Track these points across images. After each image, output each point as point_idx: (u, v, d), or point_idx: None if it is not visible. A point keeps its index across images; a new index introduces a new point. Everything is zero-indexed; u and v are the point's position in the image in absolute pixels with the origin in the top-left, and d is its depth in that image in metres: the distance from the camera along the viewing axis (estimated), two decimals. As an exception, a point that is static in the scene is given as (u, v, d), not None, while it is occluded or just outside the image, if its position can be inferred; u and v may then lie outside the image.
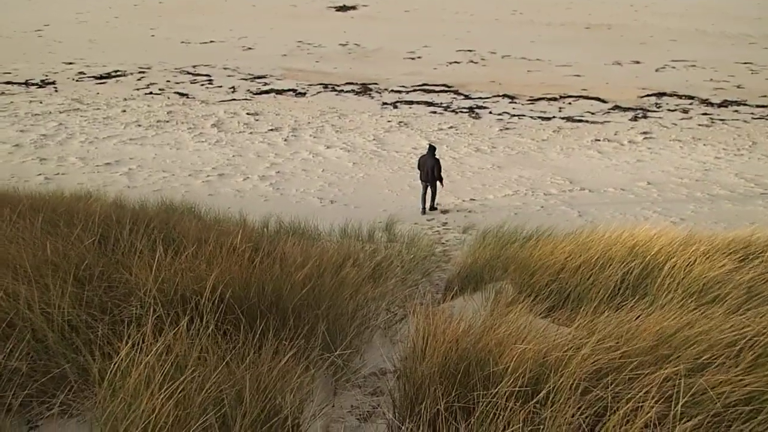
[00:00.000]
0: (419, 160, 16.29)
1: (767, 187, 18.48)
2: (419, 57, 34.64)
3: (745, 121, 25.37)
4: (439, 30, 40.14)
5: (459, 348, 3.55)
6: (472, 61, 33.79)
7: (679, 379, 3.09)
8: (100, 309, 3.64)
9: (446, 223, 15.47)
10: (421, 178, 16.15)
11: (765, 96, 28.38)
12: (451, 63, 33.38)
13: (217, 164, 19.93)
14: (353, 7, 48.30)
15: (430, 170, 15.83)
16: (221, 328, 3.63)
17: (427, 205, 16.35)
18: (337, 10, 47.43)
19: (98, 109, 25.96)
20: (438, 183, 16.08)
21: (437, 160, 15.95)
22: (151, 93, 28.47)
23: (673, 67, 32.96)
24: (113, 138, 22.30)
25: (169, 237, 5.81)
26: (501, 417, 2.92)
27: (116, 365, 2.79)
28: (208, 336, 3.29)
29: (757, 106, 27.10)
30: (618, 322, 4.01)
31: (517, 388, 3.05)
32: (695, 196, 17.88)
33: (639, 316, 4.18)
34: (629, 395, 2.99)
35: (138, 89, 29.12)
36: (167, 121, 24.37)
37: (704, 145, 22.53)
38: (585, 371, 3.18)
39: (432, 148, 16.25)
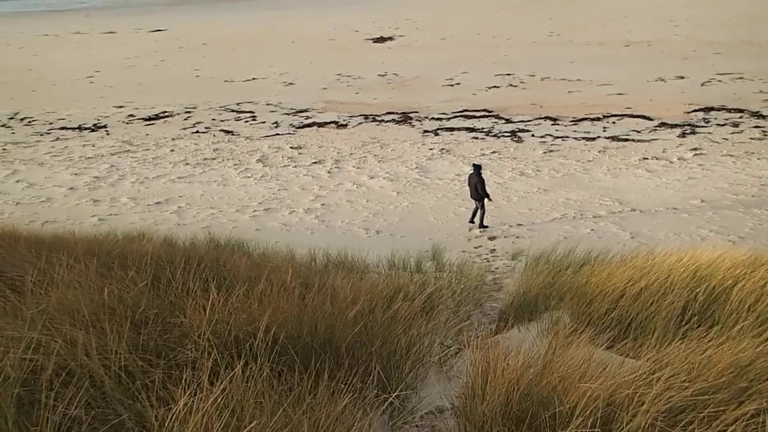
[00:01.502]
0: (468, 179, 16.98)
1: (829, 200, 17.66)
2: (458, 83, 34.71)
3: (799, 133, 24.45)
4: (476, 55, 40.22)
5: (520, 385, 3.40)
6: (511, 85, 33.65)
7: (763, 415, 2.88)
8: (156, 353, 3.64)
9: (494, 249, 15.25)
10: (470, 196, 16.94)
11: (819, 105, 27.32)
12: (490, 87, 33.30)
13: (263, 199, 20.23)
14: (390, 38, 48.90)
15: (473, 188, 16.52)
16: (276, 369, 3.58)
17: (476, 220, 16.99)
18: (374, 42, 48.08)
19: (147, 149, 26.78)
20: (486, 199, 16.68)
21: (480, 178, 16.47)
22: (197, 132, 29.26)
23: (720, 81, 32.09)
24: (162, 177, 22.92)
25: (220, 276, 5.84)
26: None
27: (174, 413, 2.76)
28: (263, 379, 3.24)
29: (812, 116, 26.10)
30: (687, 354, 3.79)
31: (587, 430, 2.88)
32: (753, 212, 17.20)
33: (710, 347, 3.95)
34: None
35: (185, 128, 29.96)
36: (214, 159, 24.94)
37: (758, 159, 21.74)
38: (658, 410, 2.99)
39: (476, 167, 16.72)
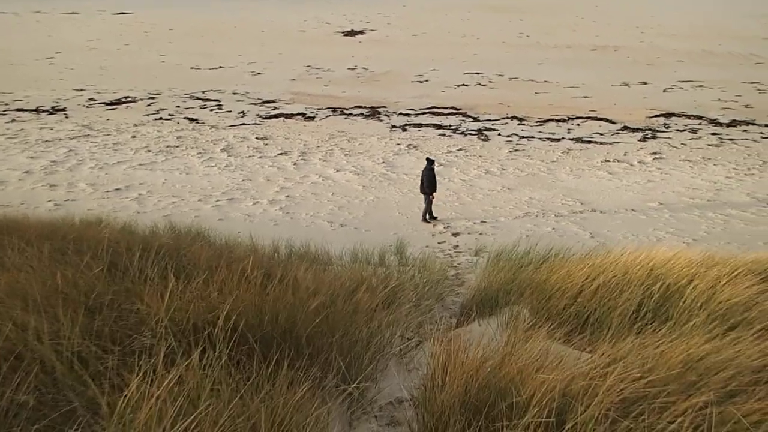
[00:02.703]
0: (422, 173, 17.18)
1: (780, 206, 18.29)
2: (427, 80, 34.82)
3: (754, 141, 25.23)
4: (446, 53, 40.39)
5: (479, 376, 3.43)
6: (479, 84, 33.91)
7: (711, 407, 2.96)
8: (111, 339, 3.56)
9: (457, 245, 15.35)
10: (420, 190, 17.20)
11: (774, 115, 28.26)
12: (459, 86, 33.49)
13: (226, 189, 19.96)
14: (361, 32, 48.76)
15: (424, 181, 16.86)
16: (234, 358, 3.53)
17: (421, 214, 17.29)
18: (345, 35, 47.89)
19: (108, 135, 26.16)
20: (431, 195, 16.98)
21: (431, 172, 16.80)
22: (161, 118, 28.70)
23: (681, 88, 32.93)
24: (123, 163, 22.42)
25: (180, 264, 5.74)
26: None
27: (127, 399, 2.70)
28: (221, 367, 3.19)
29: (766, 126, 26.97)
30: (641, 348, 3.88)
31: (542, 419, 2.92)
32: (708, 216, 17.70)
33: (663, 342, 4.05)
34: (660, 426, 2.86)
35: (148, 115, 29.37)
36: (177, 146, 24.50)
37: (714, 164, 22.38)
38: (611, 401, 3.05)
39: (429, 161, 17.07)
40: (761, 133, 26.15)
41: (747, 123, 27.46)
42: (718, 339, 4.08)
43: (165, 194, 19.48)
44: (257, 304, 4.25)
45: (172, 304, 3.84)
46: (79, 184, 20.33)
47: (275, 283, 5.12)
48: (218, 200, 18.99)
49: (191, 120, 28.41)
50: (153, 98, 32.12)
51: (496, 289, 7.36)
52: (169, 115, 29.32)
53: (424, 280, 8.72)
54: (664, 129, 26.58)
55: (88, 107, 30.73)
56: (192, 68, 38.22)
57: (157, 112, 29.81)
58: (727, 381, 3.38)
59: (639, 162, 22.55)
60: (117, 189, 19.92)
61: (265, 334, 3.94)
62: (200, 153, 23.69)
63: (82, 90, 33.77)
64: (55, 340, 3.32)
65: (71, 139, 25.51)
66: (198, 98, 32.04)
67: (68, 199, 18.97)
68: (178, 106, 30.66)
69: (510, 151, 23.77)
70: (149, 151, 23.95)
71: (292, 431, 2.84)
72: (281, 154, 23.57)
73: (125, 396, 2.71)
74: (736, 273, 5.58)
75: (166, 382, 2.72)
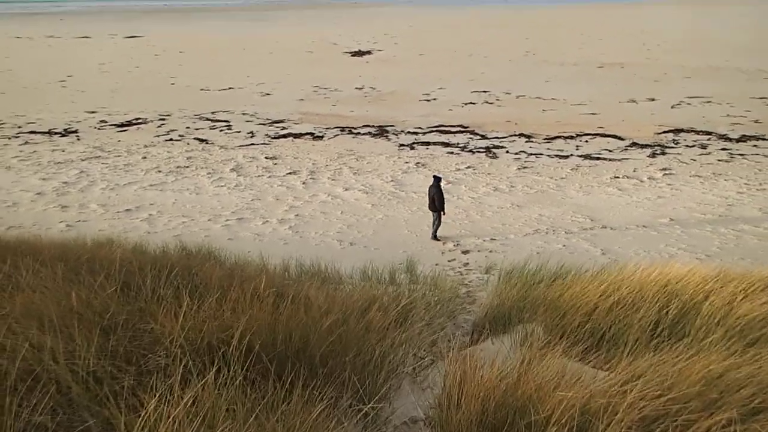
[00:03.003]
0: (428, 191, 17.20)
1: (794, 222, 18.11)
2: (434, 99, 35.00)
3: (765, 156, 25.08)
4: (453, 72, 40.64)
5: (496, 395, 3.40)
6: (487, 102, 34.04)
7: (734, 426, 2.91)
8: (126, 359, 3.55)
9: (467, 263, 15.29)
10: (430, 208, 17.18)
11: (784, 130, 28.14)
12: (466, 104, 33.64)
13: (236, 208, 20.03)
14: (368, 52, 49.21)
15: (431, 200, 16.94)
16: (249, 377, 3.51)
17: (432, 232, 17.23)
18: (352, 56, 48.32)
19: (119, 156, 26.39)
20: (441, 212, 17.06)
21: (439, 189, 16.87)
22: (171, 139, 28.95)
23: (689, 104, 32.92)
24: (134, 184, 22.58)
25: (192, 283, 5.75)
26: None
27: (143, 420, 2.68)
28: (236, 387, 3.18)
29: (777, 141, 26.86)
30: (660, 366, 3.83)
31: (562, 439, 2.88)
32: (720, 231, 17.56)
33: (680, 358, 4.00)
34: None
35: (158, 136, 29.63)
36: (187, 167, 24.66)
37: (725, 180, 22.25)
38: (632, 419, 3.01)
39: (436, 179, 17.14)
40: (771, 148, 26.04)
41: (757, 138, 27.35)
42: (737, 355, 4.03)
43: (175, 214, 19.57)
44: (270, 323, 4.24)
45: (186, 323, 3.84)
46: (90, 205, 20.46)
47: (288, 302, 5.12)
48: (228, 220, 19.05)
49: (201, 140, 28.63)
50: (163, 119, 32.43)
51: (509, 307, 7.32)
52: (179, 135, 29.57)
53: (436, 299, 8.68)
54: (673, 145, 26.52)
55: (99, 129, 31.06)
56: (201, 89, 38.62)
57: (168, 133, 30.08)
58: (748, 399, 3.33)
59: (649, 178, 22.47)
60: (127, 210, 20.04)
61: (279, 354, 3.93)
62: (210, 173, 23.83)
63: (93, 112, 34.16)
64: (71, 360, 3.32)
65: (83, 160, 25.75)
66: (207, 119, 32.32)
67: (80, 220, 19.09)
68: (188, 127, 30.93)
69: (518, 169, 23.77)
70: (159, 171, 24.12)
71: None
72: (290, 173, 23.67)
73: (142, 416, 2.70)
74: (752, 289, 5.51)
75: (183, 402, 2.71)
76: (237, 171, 24.06)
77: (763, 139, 27.18)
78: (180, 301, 4.33)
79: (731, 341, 4.47)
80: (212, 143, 28.19)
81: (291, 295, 5.67)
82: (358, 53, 49.12)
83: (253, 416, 2.87)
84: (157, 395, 2.89)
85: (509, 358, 4.87)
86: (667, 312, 5.31)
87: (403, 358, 5.45)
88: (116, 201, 20.90)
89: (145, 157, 26.12)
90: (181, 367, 3.31)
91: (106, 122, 32.28)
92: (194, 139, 28.93)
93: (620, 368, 3.92)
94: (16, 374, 3.15)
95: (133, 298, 4.87)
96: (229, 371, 3.34)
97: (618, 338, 5.13)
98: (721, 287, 5.67)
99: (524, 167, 23.97)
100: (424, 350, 6.23)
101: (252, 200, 20.80)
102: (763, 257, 15.10)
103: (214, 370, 3.09)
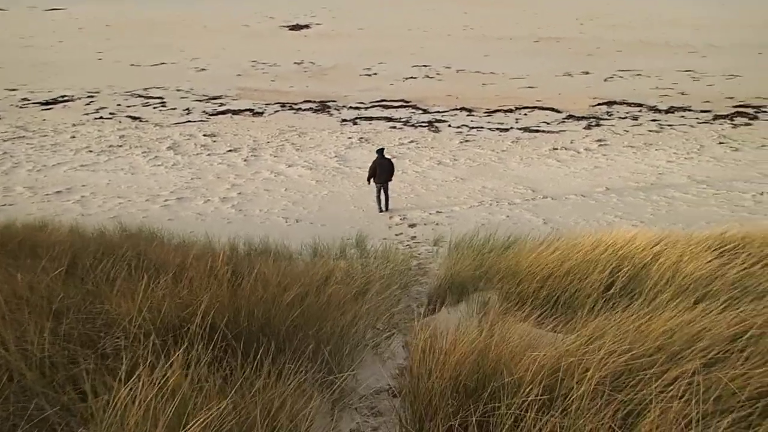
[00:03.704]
0: (374, 165, 17.02)
1: (718, 188, 19.05)
2: (375, 74, 34.76)
3: (691, 126, 26.24)
4: (393, 46, 40.41)
5: (466, 361, 3.41)
6: (427, 76, 34.09)
7: (697, 376, 3.03)
8: (80, 343, 3.37)
9: (415, 236, 15.37)
10: (377, 181, 17.08)
11: (708, 101, 29.46)
12: (407, 78, 33.58)
13: (175, 188, 19.42)
14: (306, 26, 48.29)
15: (389, 171, 16.98)
16: (216, 356, 3.40)
17: (383, 205, 17.39)
18: (290, 29, 47.31)
19: (45, 135, 25.08)
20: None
21: (386, 160, 17.06)
22: (101, 117, 27.69)
23: (621, 77, 33.93)
24: (63, 165, 21.54)
25: (141, 264, 5.52)
26: (524, 428, 2.79)
27: (114, 402, 2.54)
28: (203, 365, 3.06)
29: (701, 111, 28.12)
30: (620, 324, 3.94)
31: (537, 397, 2.92)
32: (652, 199, 18.29)
33: (637, 317, 4.13)
34: (652, 395, 2.90)
35: (87, 114, 28.30)
36: (120, 146, 23.70)
37: (656, 150, 23.16)
38: (602, 375, 3.09)
39: (382, 150, 17.33)
40: (697, 118, 27.24)
41: (684, 109, 28.54)
42: (688, 312, 4.18)
43: (110, 195, 18.80)
44: (231, 300, 4.12)
45: (144, 304, 3.67)
46: (16, 188, 19.40)
47: (246, 279, 4.99)
48: (167, 200, 18.46)
49: (134, 118, 27.53)
50: (92, 97, 30.96)
51: (463, 277, 7.40)
52: (110, 113, 28.33)
53: (388, 272, 8.69)
54: (607, 117, 27.34)
55: (21, 107, 29.39)
56: (132, 65, 37.03)
57: (97, 111, 28.76)
58: (706, 350, 3.47)
59: (585, 149, 23.12)
60: (58, 192, 19.10)
61: (243, 330, 3.82)
62: (145, 152, 22.98)
63: (14, 90, 32.25)
64: (22, 346, 3.11)
65: (5, 141, 24.34)
66: (140, 96, 31.06)
67: (5, 204, 18.08)
68: (119, 105, 29.66)
69: (461, 142, 23.99)
70: (90, 151, 23.08)
71: (285, 425, 2.75)
72: (230, 150, 23.12)
73: (112, 400, 2.55)
74: (696, 249, 5.75)
75: (153, 383, 2.58)
76: (174, 149, 23.30)
77: (690, 110, 28.38)
78: (133, 281, 4.14)
79: (681, 299, 4.66)
80: (146, 121, 27.16)
81: (247, 271, 5.55)
82: (296, 27, 48.13)
83: (230, 395, 2.77)
84: (123, 377, 2.74)
85: (470, 326, 4.92)
86: (618, 274, 5.48)
87: (364, 331, 5.43)
88: (45, 183, 19.89)
89: (74, 137, 24.93)
90: (143, 348, 3.16)
91: (29, 100, 30.57)
92: (126, 117, 27.80)
93: (582, 329, 4.01)
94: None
95: (80, 280, 4.63)
96: (193, 350, 3.21)
97: (574, 302, 5.27)
98: (666, 249, 5.89)
99: (466, 141, 24.21)
100: (382, 323, 6.24)
101: (192, 179, 20.22)
102: (693, 222, 15.82)
103: (181, 350, 2.95)
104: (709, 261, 5.32)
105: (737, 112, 27.98)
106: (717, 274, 5.16)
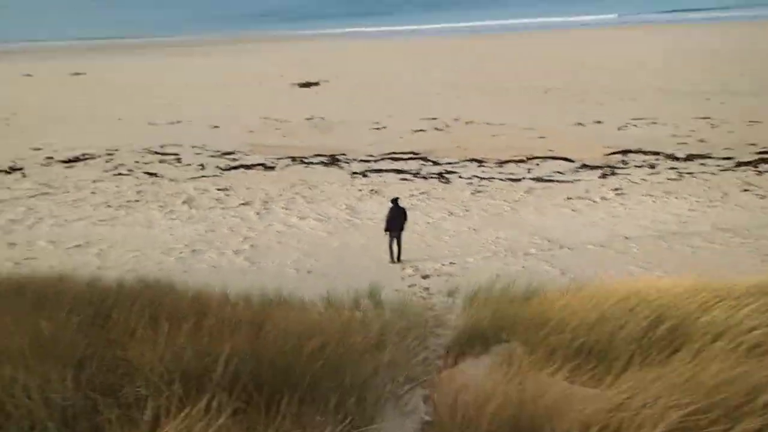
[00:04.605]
0: (391, 215, 17.05)
1: (745, 236, 18.54)
2: (384, 127, 35.21)
3: (713, 174, 25.85)
4: (401, 100, 41.08)
5: (500, 417, 3.28)
6: (436, 129, 34.47)
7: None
8: (102, 391, 3.31)
9: (428, 288, 15.20)
10: (392, 231, 17.06)
11: (728, 149, 29.12)
12: (416, 131, 33.96)
13: (189, 241, 19.50)
14: (315, 83, 49.34)
15: (403, 221, 17.04)
16: (235, 406, 3.32)
17: (395, 255, 17.25)
18: (300, 87, 48.35)
19: (67, 192, 25.50)
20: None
21: (400, 209, 17.14)
22: (120, 174, 28.16)
23: (635, 125, 34.00)
24: (83, 220, 21.78)
25: (161, 313, 5.49)
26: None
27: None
28: (226, 415, 2.99)
29: (723, 159, 27.74)
30: (667, 377, 3.77)
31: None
32: (675, 248, 17.81)
33: (684, 369, 3.95)
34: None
35: (106, 171, 28.81)
36: (137, 201, 23.99)
37: (676, 198, 22.84)
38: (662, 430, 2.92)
39: (397, 200, 17.43)
40: (719, 165, 26.89)
41: (704, 157, 28.19)
42: (742, 363, 3.99)
43: (127, 249, 18.89)
44: (252, 349, 4.06)
45: (166, 352, 3.62)
46: (38, 242, 19.61)
47: (264, 328, 4.93)
48: (182, 252, 18.51)
49: (150, 174, 27.95)
50: (111, 154, 31.58)
51: (483, 328, 7.25)
52: (128, 170, 28.81)
53: (404, 323, 8.56)
54: (622, 165, 27.28)
55: (45, 165, 30.03)
56: (149, 123, 37.86)
57: (116, 167, 29.28)
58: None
59: (601, 198, 22.98)
60: (77, 245, 19.26)
61: (264, 380, 3.75)
62: (161, 206, 23.22)
63: (39, 149, 33.03)
64: (45, 395, 3.07)
65: (30, 197, 24.79)
66: (157, 152, 31.64)
67: (28, 257, 18.22)
68: (137, 161, 30.19)
69: (472, 193, 24.03)
70: (109, 206, 23.37)
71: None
72: (243, 204, 23.30)
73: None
74: (738, 296, 5.56)
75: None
76: (189, 203, 23.53)
77: (710, 158, 28.07)
78: (153, 330, 4.11)
79: (732, 350, 4.45)
80: (162, 176, 27.54)
81: (265, 322, 5.49)
82: (306, 84, 49.21)
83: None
84: (145, 429, 2.68)
85: (497, 379, 4.77)
86: (657, 323, 5.30)
87: (384, 384, 5.31)
88: (66, 237, 20.08)
89: (94, 193, 25.30)
90: (165, 397, 3.10)
91: (53, 158, 31.23)
92: (144, 173, 28.23)
93: (624, 382, 3.86)
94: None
95: (101, 329, 4.60)
96: (215, 399, 3.14)
97: (609, 353, 5.05)
98: (708, 297, 5.70)
99: (478, 191, 24.24)
100: (402, 375, 6.10)
101: (206, 232, 20.31)
102: (720, 271, 15.39)
103: (204, 401, 2.88)
104: (756, 309, 5.09)
105: (761, 158, 27.47)
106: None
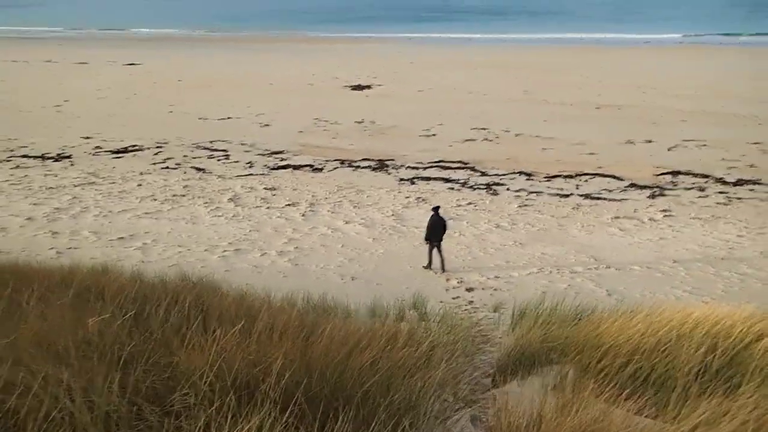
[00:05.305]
0: (431, 223, 17.06)
1: (798, 265, 17.89)
2: (434, 134, 34.97)
3: (762, 200, 25.01)
4: (452, 109, 40.75)
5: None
6: (486, 139, 34.05)
7: None
8: (147, 397, 3.16)
9: (473, 301, 14.94)
10: (434, 240, 17.05)
11: (781, 175, 28.11)
12: (466, 141, 33.61)
13: (233, 239, 19.64)
14: (368, 87, 49.41)
15: (442, 230, 17.03)
16: (288, 421, 3.13)
17: (438, 264, 17.18)
18: (352, 89, 48.49)
19: (114, 183, 26.02)
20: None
21: (441, 218, 17.17)
22: (167, 167, 28.64)
23: (685, 147, 33.01)
24: (128, 212, 22.17)
25: (207, 314, 5.37)
26: None
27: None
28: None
29: (773, 185, 26.80)
30: (734, 413, 3.48)
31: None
32: (723, 275, 17.33)
33: (747, 404, 3.66)
34: None
35: (154, 164, 29.34)
36: (183, 196, 24.31)
37: (725, 223, 22.12)
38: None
39: (438, 208, 17.45)
40: (768, 192, 26.00)
41: (753, 182, 27.35)
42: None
43: (170, 244, 19.14)
44: (302, 359, 3.87)
45: (215, 358, 3.46)
46: (82, 232, 20.02)
47: (312, 337, 4.75)
48: (225, 251, 18.64)
49: (198, 169, 28.34)
50: (160, 147, 32.17)
51: (532, 348, 6.97)
52: (176, 164, 29.28)
53: (452, 338, 8.31)
54: (671, 187, 26.48)
55: (94, 155, 30.75)
56: (200, 118, 38.45)
57: (164, 161, 29.79)
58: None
59: (650, 219, 22.33)
60: (121, 238, 19.60)
61: (316, 394, 3.55)
62: (207, 203, 23.47)
63: (88, 138, 33.86)
64: (87, 398, 2.93)
65: (76, 186, 25.35)
66: (206, 148, 32.08)
67: (71, 247, 18.62)
68: (186, 156, 30.66)
69: (519, 206, 23.59)
70: (155, 199, 23.75)
71: None
72: (289, 204, 23.37)
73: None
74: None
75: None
76: (235, 201, 23.73)
77: (760, 184, 27.15)
78: (202, 332, 3.96)
79: None
80: (210, 172, 27.90)
81: (313, 329, 5.32)
82: (359, 87, 49.31)
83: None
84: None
85: (548, 403, 4.51)
86: (715, 353, 4.98)
87: (432, 402, 5.08)
88: (109, 228, 20.46)
89: (140, 185, 25.77)
90: (214, 408, 2.92)
91: (101, 148, 31.97)
92: (191, 167, 28.65)
93: (688, 418, 3.57)
94: (25, 414, 2.76)
95: (147, 328, 4.49)
96: (268, 414, 2.96)
97: (665, 381, 4.78)
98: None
99: (525, 205, 23.79)
100: (449, 393, 5.86)
101: (250, 231, 20.43)
102: (769, 301, 14.81)
103: (259, 417, 2.70)
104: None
105: (812, 187, 26.57)
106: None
